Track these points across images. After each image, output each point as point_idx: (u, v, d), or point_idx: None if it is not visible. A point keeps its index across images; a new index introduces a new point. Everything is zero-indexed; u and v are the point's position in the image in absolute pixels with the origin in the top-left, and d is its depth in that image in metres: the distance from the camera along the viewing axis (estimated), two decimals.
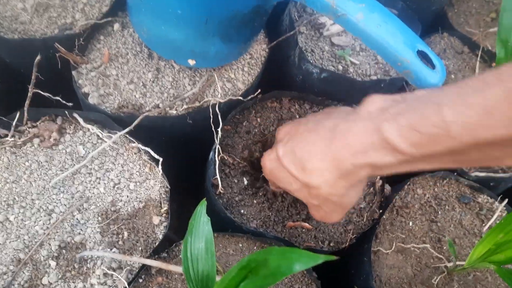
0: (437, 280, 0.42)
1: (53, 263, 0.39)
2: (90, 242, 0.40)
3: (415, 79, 0.37)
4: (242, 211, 0.45)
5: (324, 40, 0.57)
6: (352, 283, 0.46)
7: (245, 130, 0.49)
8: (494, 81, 0.24)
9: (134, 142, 0.45)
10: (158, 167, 0.44)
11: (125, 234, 0.41)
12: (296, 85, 0.57)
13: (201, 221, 0.34)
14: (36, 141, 0.44)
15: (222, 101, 0.47)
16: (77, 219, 0.41)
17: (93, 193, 0.43)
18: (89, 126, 0.45)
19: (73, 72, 0.47)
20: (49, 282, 0.38)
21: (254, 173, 0.48)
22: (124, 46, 0.50)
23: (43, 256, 0.39)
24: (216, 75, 0.50)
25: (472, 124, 0.25)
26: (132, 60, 0.50)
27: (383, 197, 0.47)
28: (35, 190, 0.42)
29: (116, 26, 0.52)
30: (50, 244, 0.40)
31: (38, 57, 0.43)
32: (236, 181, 0.46)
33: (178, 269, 0.39)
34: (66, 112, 0.45)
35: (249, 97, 0.49)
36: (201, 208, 0.34)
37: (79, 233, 0.41)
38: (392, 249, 0.44)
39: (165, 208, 0.43)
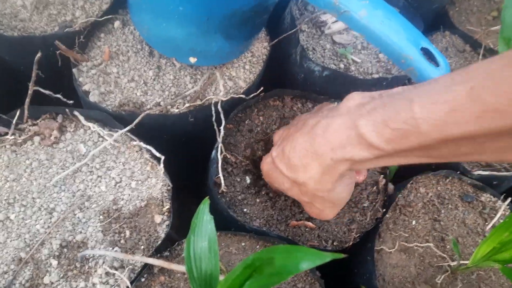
0: (440, 279, 0.42)
1: (54, 262, 0.39)
2: (91, 241, 0.40)
3: (419, 77, 0.37)
4: (245, 210, 0.44)
5: (326, 38, 0.57)
6: (355, 282, 0.46)
7: (247, 129, 0.49)
8: (460, 79, 0.25)
9: (135, 140, 0.44)
10: (159, 165, 0.44)
11: (127, 233, 0.41)
12: (297, 83, 0.56)
13: (204, 220, 0.33)
14: (36, 139, 0.44)
15: (224, 99, 0.47)
16: (78, 217, 0.41)
17: (95, 191, 0.42)
18: (90, 124, 0.44)
19: (74, 70, 0.47)
20: (50, 281, 0.38)
21: (257, 172, 0.48)
22: (124, 43, 0.50)
23: (44, 255, 0.39)
24: (217, 73, 0.50)
25: (439, 121, 0.25)
26: (133, 58, 0.49)
27: (386, 196, 0.47)
28: (35, 188, 0.42)
29: (117, 23, 0.51)
30: (51, 243, 0.39)
31: (39, 54, 0.43)
32: (238, 179, 0.46)
33: (181, 268, 0.39)
34: (67, 110, 0.45)
35: (251, 96, 0.49)
36: (204, 207, 0.33)
37: (81, 232, 0.40)
38: (395, 248, 0.44)
39: (167, 207, 0.43)
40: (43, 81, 0.46)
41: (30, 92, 0.43)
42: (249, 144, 0.48)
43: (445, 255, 0.44)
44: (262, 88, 0.49)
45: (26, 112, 0.44)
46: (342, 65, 0.55)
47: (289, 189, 0.38)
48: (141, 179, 0.44)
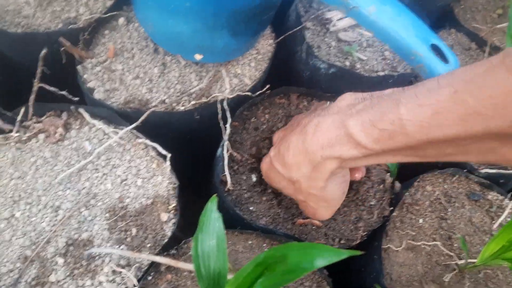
0: (448, 277, 0.42)
1: (60, 260, 0.38)
2: (97, 239, 0.40)
3: (429, 73, 0.37)
4: (251, 208, 0.44)
5: (331, 36, 0.57)
6: (362, 281, 0.46)
7: (253, 127, 0.49)
8: (446, 83, 0.26)
9: (141, 138, 0.44)
10: (165, 163, 0.43)
11: (133, 231, 0.40)
12: (303, 81, 0.56)
13: (212, 218, 0.33)
14: (41, 136, 0.44)
15: (230, 96, 0.47)
16: (84, 215, 0.41)
17: (100, 189, 0.42)
18: (95, 122, 0.44)
19: (78, 67, 0.47)
20: (56, 279, 0.38)
21: None
22: (129, 40, 0.50)
23: (50, 253, 0.39)
24: (223, 70, 0.49)
25: (424, 123, 0.26)
26: (137, 55, 0.49)
27: (393, 194, 0.47)
28: (41, 186, 0.41)
29: (121, 20, 0.51)
30: (57, 241, 0.39)
31: (44, 51, 0.42)
32: (244, 178, 0.46)
33: (188, 266, 0.38)
34: (72, 107, 0.44)
35: (257, 93, 0.48)
36: (212, 204, 0.33)
37: (87, 230, 0.40)
38: (403, 246, 0.44)
39: (173, 205, 0.42)
40: (47, 78, 0.46)
41: (35, 89, 0.43)
42: (255, 142, 0.48)
43: (452, 254, 0.44)
44: (268, 86, 0.49)
45: (31, 109, 0.43)
46: (347, 63, 0.55)
47: (286, 187, 0.39)
48: (147, 176, 0.43)
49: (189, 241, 0.42)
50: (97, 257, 0.39)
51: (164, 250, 0.41)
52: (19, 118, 0.43)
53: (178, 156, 0.46)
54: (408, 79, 0.55)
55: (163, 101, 0.46)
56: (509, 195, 0.48)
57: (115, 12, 0.50)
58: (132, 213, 0.41)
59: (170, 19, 0.43)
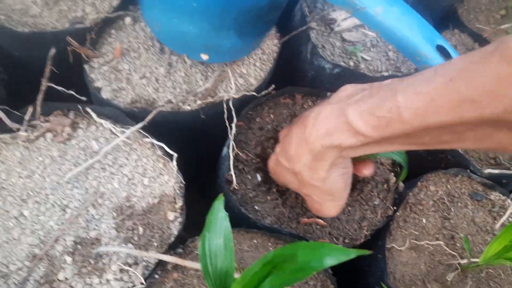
0: (451, 277, 0.42)
1: (68, 259, 0.39)
2: (105, 238, 0.40)
3: None
4: (256, 207, 0.44)
5: (335, 36, 0.57)
6: (366, 280, 0.46)
7: (258, 126, 0.49)
8: (442, 71, 0.26)
9: (147, 137, 0.44)
10: (172, 162, 0.44)
11: (140, 229, 0.41)
12: (307, 80, 0.56)
13: (219, 217, 0.33)
14: (49, 135, 0.44)
15: (236, 96, 0.47)
16: (91, 214, 0.41)
17: (107, 188, 0.42)
18: (102, 121, 0.44)
19: (85, 66, 0.47)
20: (65, 277, 0.38)
21: (267, 170, 0.48)
22: (135, 40, 0.50)
23: (59, 252, 0.39)
24: (228, 70, 0.50)
25: (420, 110, 0.27)
26: (144, 55, 0.49)
27: (397, 194, 0.47)
28: (49, 185, 0.42)
29: (128, 20, 0.51)
30: (65, 240, 0.40)
31: (53, 51, 0.42)
32: (249, 177, 0.46)
33: (195, 265, 0.39)
34: (79, 106, 0.45)
35: (263, 93, 0.49)
36: (219, 204, 0.33)
37: (94, 229, 0.41)
38: (406, 246, 0.44)
39: (179, 204, 0.43)
40: (53, 77, 0.46)
41: (43, 88, 0.43)
42: (260, 142, 0.49)
43: (455, 253, 0.44)
44: (273, 86, 0.49)
45: (38, 108, 0.44)
46: (351, 63, 0.55)
47: (291, 182, 0.39)
48: (154, 176, 0.44)
49: (195, 240, 0.42)
50: (104, 256, 0.39)
51: (171, 249, 0.41)
52: (27, 117, 0.43)
53: (183, 156, 0.46)
54: None
55: (170, 101, 0.47)
56: (511, 195, 0.49)
57: (121, 12, 0.50)
58: (139, 212, 0.42)
59: (177, 19, 0.43)
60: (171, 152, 0.44)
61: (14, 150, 0.43)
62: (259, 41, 0.50)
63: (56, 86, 0.44)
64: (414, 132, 0.28)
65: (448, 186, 0.49)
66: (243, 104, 0.49)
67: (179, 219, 0.42)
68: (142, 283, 0.38)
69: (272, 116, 0.50)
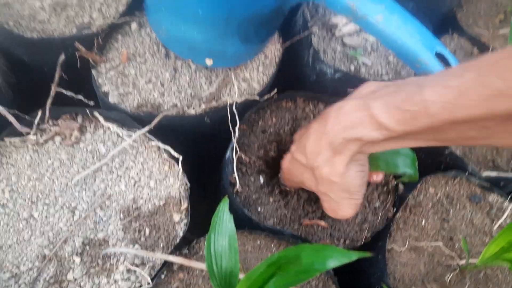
0: (449, 277, 0.43)
1: (77, 259, 0.40)
2: (112, 239, 0.41)
3: None
4: (259, 209, 0.46)
5: (336, 41, 0.58)
6: (366, 281, 0.47)
7: (260, 130, 0.50)
8: (472, 66, 0.26)
9: (153, 141, 0.46)
10: (177, 165, 0.45)
11: (147, 231, 0.42)
12: (308, 85, 0.57)
13: (224, 218, 0.34)
14: (57, 139, 0.45)
15: (239, 100, 0.48)
16: (99, 216, 0.42)
17: (115, 190, 0.44)
18: (110, 125, 0.46)
19: (93, 71, 0.48)
20: (74, 277, 0.39)
21: (270, 172, 0.49)
22: (141, 45, 0.51)
23: (68, 253, 0.40)
24: (232, 75, 0.51)
25: (448, 104, 0.26)
26: (150, 60, 0.50)
27: (397, 196, 0.48)
28: (57, 187, 0.43)
29: (134, 25, 0.52)
30: (74, 241, 0.41)
31: (63, 57, 0.43)
32: (252, 179, 0.47)
33: (200, 265, 0.40)
34: (87, 110, 0.46)
35: (265, 97, 0.50)
36: (224, 206, 0.34)
37: (102, 230, 0.42)
38: (406, 247, 0.45)
39: (185, 206, 0.44)
40: (62, 82, 0.47)
41: (52, 93, 0.44)
42: (262, 145, 0.50)
43: (453, 254, 0.45)
44: (275, 90, 0.50)
45: (47, 112, 0.45)
46: (352, 67, 0.56)
47: (308, 179, 0.39)
48: (159, 178, 0.45)
49: (200, 241, 0.43)
50: (112, 256, 0.40)
51: (176, 249, 0.42)
52: (36, 121, 0.44)
53: (187, 158, 0.48)
54: None
55: (175, 105, 0.48)
56: (509, 198, 0.50)
57: (127, 18, 0.52)
58: (145, 214, 0.43)
59: (182, 25, 0.44)
60: (176, 155, 0.45)
61: (24, 153, 0.44)
62: (262, 47, 0.52)
63: (65, 91, 0.45)
64: (440, 127, 0.28)
65: (447, 188, 0.50)
66: (246, 108, 0.50)
67: (184, 221, 0.43)
68: (148, 283, 0.39)
69: (274, 119, 0.51)
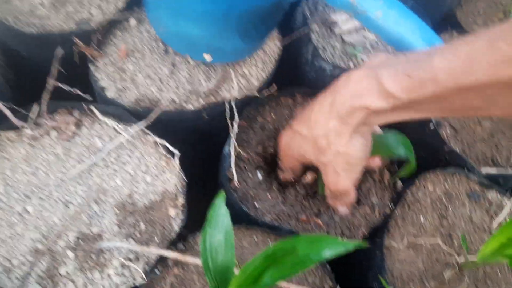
0: (448, 275, 0.43)
1: (71, 254, 0.39)
2: (107, 234, 0.41)
3: None
4: (256, 205, 0.45)
5: (336, 38, 0.58)
6: (364, 278, 0.47)
7: (259, 126, 0.50)
8: (483, 34, 0.27)
9: (150, 136, 0.45)
10: (174, 160, 0.44)
11: (142, 226, 0.42)
12: (307, 81, 0.57)
13: (220, 213, 0.34)
14: (53, 133, 0.45)
15: (238, 96, 0.48)
16: (94, 210, 0.42)
17: (110, 185, 0.43)
18: (106, 119, 0.45)
19: (91, 66, 0.48)
20: (67, 272, 0.39)
21: (268, 168, 0.49)
22: (140, 41, 0.51)
23: (61, 247, 0.40)
24: (231, 71, 0.50)
25: (456, 70, 0.27)
26: (148, 55, 0.50)
27: (395, 192, 0.48)
28: (53, 181, 0.43)
29: (132, 21, 0.52)
30: (67, 235, 0.40)
31: (61, 51, 0.43)
32: (250, 175, 0.47)
33: (195, 260, 0.39)
34: (84, 105, 0.46)
35: (264, 93, 0.50)
36: (220, 200, 0.34)
37: (97, 225, 0.41)
38: (404, 244, 0.45)
39: (181, 201, 0.43)
40: (60, 77, 0.47)
41: (49, 87, 0.44)
42: (261, 141, 0.49)
43: (452, 252, 0.45)
44: (274, 86, 0.50)
45: (44, 106, 0.44)
46: (351, 65, 0.56)
47: (308, 151, 0.39)
48: (156, 173, 0.45)
49: (196, 236, 0.43)
50: (106, 251, 0.40)
51: (172, 245, 0.42)
52: (32, 115, 0.44)
53: (185, 154, 0.47)
54: None
55: (173, 100, 0.47)
56: (508, 195, 0.49)
57: (126, 13, 0.52)
58: (141, 209, 0.43)
59: (181, 20, 0.44)
60: (173, 150, 0.44)
61: (19, 147, 0.44)
62: (262, 43, 0.51)
63: (61, 85, 0.44)
64: (445, 95, 0.28)
65: (446, 185, 0.49)
66: (245, 104, 0.50)
67: (180, 216, 0.43)
68: (142, 278, 0.39)
69: (273, 116, 0.51)
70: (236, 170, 0.45)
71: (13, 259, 0.39)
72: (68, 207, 0.42)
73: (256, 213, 0.44)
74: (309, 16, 0.57)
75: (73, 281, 0.38)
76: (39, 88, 0.47)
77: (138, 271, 0.39)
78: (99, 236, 0.41)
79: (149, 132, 0.46)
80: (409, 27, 0.38)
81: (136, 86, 0.48)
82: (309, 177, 0.47)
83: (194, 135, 0.53)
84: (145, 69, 0.49)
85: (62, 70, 0.47)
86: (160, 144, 0.45)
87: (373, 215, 0.46)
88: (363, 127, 0.35)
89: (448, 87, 0.27)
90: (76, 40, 0.45)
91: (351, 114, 0.33)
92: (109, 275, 0.39)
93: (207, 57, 0.47)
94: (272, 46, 0.55)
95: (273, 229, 0.43)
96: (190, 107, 0.47)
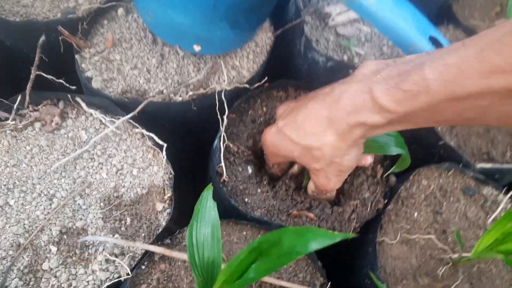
0: (442, 271, 0.42)
1: (53, 249, 0.38)
2: (92, 228, 0.40)
3: None
4: (246, 199, 0.44)
5: (329, 30, 0.57)
6: (356, 273, 0.46)
7: (250, 119, 0.49)
8: (471, 43, 0.27)
9: (137, 128, 0.44)
10: (161, 153, 0.43)
11: (128, 220, 0.40)
12: (301, 74, 0.56)
13: (207, 206, 0.33)
14: (37, 125, 0.44)
15: (228, 88, 0.47)
16: (78, 204, 0.40)
17: (95, 178, 0.42)
18: (92, 111, 0.44)
19: (76, 56, 0.46)
20: (49, 267, 0.37)
21: (258, 162, 0.48)
22: (128, 31, 0.49)
23: (44, 241, 0.38)
24: (221, 62, 0.49)
25: (448, 81, 0.27)
26: (136, 46, 0.49)
27: (388, 187, 0.47)
28: (36, 174, 0.41)
29: (120, 10, 0.51)
30: (51, 229, 0.39)
31: (42, 38, 0.42)
32: (240, 169, 0.46)
33: (182, 256, 0.38)
34: (69, 96, 0.44)
35: (256, 85, 0.48)
36: (207, 193, 0.33)
37: (81, 219, 0.40)
38: (397, 240, 0.44)
39: (168, 195, 0.42)
40: (45, 67, 0.46)
41: (32, 76, 0.42)
42: (252, 135, 0.48)
43: (446, 248, 0.44)
44: (266, 78, 0.49)
45: (27, 97, 0.43)
46: (345, 57, 0.55)
47: (299, 156, 0.39)
48: (143, 166, 0.43)
49: (183, 231, 0.41)
50: (90, 246, 0.39)
51: (158, 239, 0.40)
52: (15, 106, 0.43)
53: (175, 148, 0.46)
54: None
55: (161, 92, 0.46)
56: (504, 190, 0.49)
57: (114, 3, 0.50)
58: (127, 203, 0.41)
59: (170, 9, 0.43)
60: (160, 142, 0.43)
61: (2, 138, 0.43)
62: (253, 34, 0.50)
63: (45, 75, 0.43)
64: (439, 105, 0.28)
65: (441, 181, 0.48)
66: (235, 96, 0.48)
67: (168, 210, 0.42)
68: (128, 274, 0.37)
69: (264, 109, 0.50)
70: (225, 164, 0.44)
71: None
72: (52, 201, 0.40)
73: (245, 208, 0.43)
74: (302, 7, 0.56)
75: (56, 277, 0.37)
76: (24, 79, 0.45)
77: (124, 267, 0.38)
78: (83, 231, 0.40)
79: (136, 124, 0.44)
80: (403, 16, 0.36)
81: (123, 77, 0.46)
82: (295, 168, 0.46)
83: (183, 128, 0.52)
84: (132, 60, 0.48)
85: (47, 60, 0.46)
86: (148, 136, 0.44)
87: (365, 209, 0.45)
88: (360, 139, 0.35)
89: (441, 98, 0.27)
90: (61, 29, 0.44)
91: (349, 131, 0.34)
92: (93, 271, 0.38)
93: (197, 48, 0.46)
94: (264, 37, 0.54)
95: (263, 224, 0.42)
96: (178, 98, 0.46)
